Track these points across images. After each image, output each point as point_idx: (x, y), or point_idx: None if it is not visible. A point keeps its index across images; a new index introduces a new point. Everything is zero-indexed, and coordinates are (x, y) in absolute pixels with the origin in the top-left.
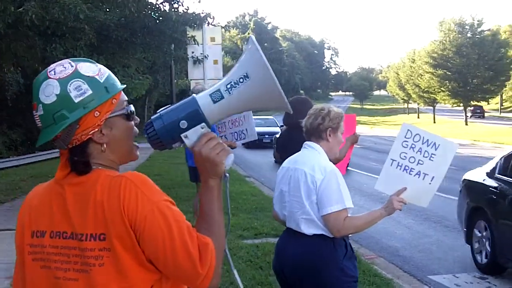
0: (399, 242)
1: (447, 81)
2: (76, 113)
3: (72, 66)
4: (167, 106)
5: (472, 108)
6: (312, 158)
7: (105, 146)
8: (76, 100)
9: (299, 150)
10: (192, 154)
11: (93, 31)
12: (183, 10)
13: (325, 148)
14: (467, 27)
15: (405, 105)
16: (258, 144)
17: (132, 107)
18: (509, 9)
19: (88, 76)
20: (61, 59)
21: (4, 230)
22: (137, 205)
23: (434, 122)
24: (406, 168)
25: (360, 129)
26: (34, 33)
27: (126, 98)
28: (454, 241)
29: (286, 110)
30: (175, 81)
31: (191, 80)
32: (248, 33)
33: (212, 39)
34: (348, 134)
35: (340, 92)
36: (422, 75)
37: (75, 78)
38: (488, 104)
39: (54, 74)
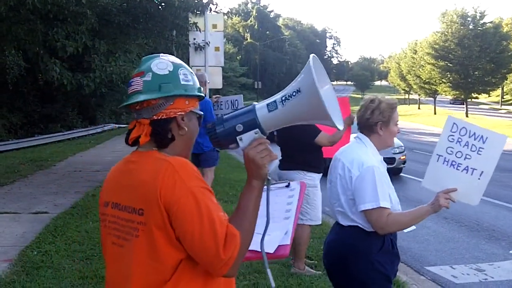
0: (397, 233)
1: (448, 73)
2: (178, 90)
3: (178, 59)
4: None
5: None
6: (355, 151)
7: (185, 130)
8: (182, 82)
9: (296, 137)
10: (196, 143)
11: (95, 15)
12: None
13: (376, 141)
14: (469, 19)
15: (406, 96)
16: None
17: (202, 115)
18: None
19: (192, 73)
20: (63, 43)
21: (2, 213)
22: (174, 188)
23: (435, 114)
24: (454, 163)
25: None
26: (35, 16)
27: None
28: (451, 233)
29: (333, 127)
30: None
31: (192, 66)
32: (251, 21)
33: (214, 26)
34: (343, 117)
35: (342, 82)
36: (423, 66)
37: (184, 68)
38: (489, 96)
39: (167, 59)
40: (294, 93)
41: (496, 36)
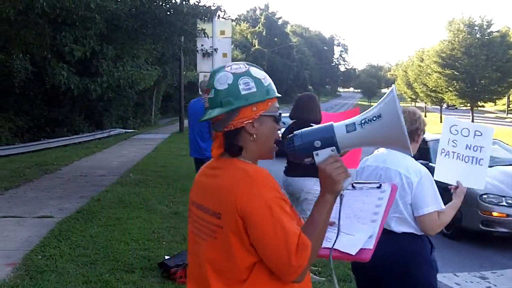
0: None
1: (454, 81)
2: (239, 102)
3: (245, 67)
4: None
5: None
6: (403, 159)
7: (250, 138)
8: (242, 93)
9: None
10: (196, 146)
11: (104, 20)
12: (194, 3)
13: (414, 149)
14: (476, 27)
15: (413, 104)
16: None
17: (280, 113)
18: None
19: (256, 78)
20: (70, 47)
21: (7, 217)
22: (250, 199)
23: (441, 122)
24: (459, 155)
25: None
26: (44, 20)
27: (278, 106)
28: (455, 240)
29: (407, 153)
30: (184, 73)
31: (199, 72)
32: (259, 27)
33: (222, 32)
34: None
35: (349, 89)
36: (430, 74)
37: (246, 76)
38: (495, 105)
39: (230, 69)
40: (374, 118)
41: (503, 45)
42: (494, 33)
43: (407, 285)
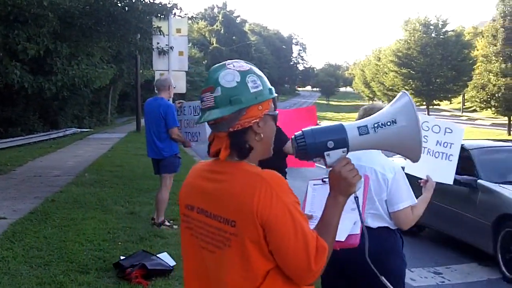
0: None
1: (411, 80)
2: (249, 100)
3: (248, 65)
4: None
5: None
6: (377, 156)
7: (256, 138)
8: (252, 91)
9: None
10: (152, 146)
11: (57, 18)
12: (149, 0)
13: None
14: (431, 27)
15: (370, 102)
16: None
17: (276, 112)
18: (473, 11)
19: (260, 76)
20: (24, 46)
21: None
22: (271, 206)
23: None
24: (429, 150)
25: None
26: None
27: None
28: (411, 237)
29: (415, 161)
30: (140, 71)
31: (155, 71)
32: (217, 26)
33: (178, 31)
34: (310, 125)
35: (307, 88)
36: (387, 73)
37: (252, 74)
38: (451, 103)
39: (234, 67)
40: (388, 123)
41: (458, 44)
42: (449, 33)
43: (380, 274)
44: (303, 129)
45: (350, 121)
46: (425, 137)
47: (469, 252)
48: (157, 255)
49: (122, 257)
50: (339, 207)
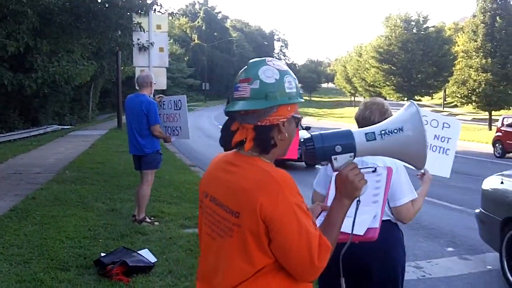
0: None
1: (392, 76)
2: (284, 99)
3: (285, 66)
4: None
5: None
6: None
7: (280, 137)
8: (287, 90)
9: None
10: (134, 143)
11: (36, 14)
12: None
13: None
14: (412, 23)
15: (352, 98)
16: None
17: (300, 117)
18: (453, 7)
19: (295, 78)
20: (3, 42)
21: None
22: (277, 204)
23: None
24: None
25: (307, 121)
26: None
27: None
28: None
29: (419, 168)
30: (121, 67)
31: (135, 67)
32: (198, 22)
33: (158, 27)
34: None
35: None
36: (368, 69)
37: (289, 75)
38: (432, 99)
39: (273, 65)
40: (395, 131)
41: (439, 40)
42: (430, 29)
43: (388, 269)
44: (312, 133)
45: (331, 117)
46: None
47: (450, 247)
48: (138, 252)
49: (102, 254)
50: (343, 209)
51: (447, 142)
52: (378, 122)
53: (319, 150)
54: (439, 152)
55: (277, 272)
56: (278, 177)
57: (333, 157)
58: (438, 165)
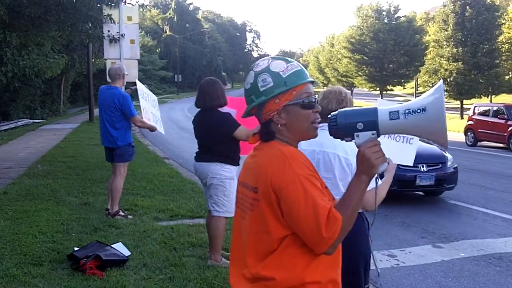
0: None
1: (364, 66)
2: (259, 98)
3: (267, 63)
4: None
5: None
6: (337, 141)
7: (279, 126)
8: (261, 89)
9: (213, 129)
10: (107, 135)
11: (4, 7)
12: None
13: None
14: (384, 13)
15: (325, 89)
16: None
17: (311, 98)
18: None
19: (274, 71)
20: None
21: None
22: (283, 174)
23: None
24: (390, 134)
25: None
26: None
27: (310, 91)
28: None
29: (443, 147)
30: (92, 60)
31: (106, 59)
32: (169, 13)
33: (129, 18)
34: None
35: None
36: (340, 60)
37: (264, 72)
38: (404, 88)
39: (256, 67)
40: (418, 110)
41: (410, 30)
42: (401, 18)
43: (350, 256)
44: (338, 110)
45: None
46: None
47: (423, 235)
48: (112, 246)
49: (76, 249)
50: (360, 186)
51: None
52: (335, 111)
53: (341, 126)
54: (403, 142)
55: (300, 246)
56: (287, 151)
57: (355, 134)
58: (402, 154)
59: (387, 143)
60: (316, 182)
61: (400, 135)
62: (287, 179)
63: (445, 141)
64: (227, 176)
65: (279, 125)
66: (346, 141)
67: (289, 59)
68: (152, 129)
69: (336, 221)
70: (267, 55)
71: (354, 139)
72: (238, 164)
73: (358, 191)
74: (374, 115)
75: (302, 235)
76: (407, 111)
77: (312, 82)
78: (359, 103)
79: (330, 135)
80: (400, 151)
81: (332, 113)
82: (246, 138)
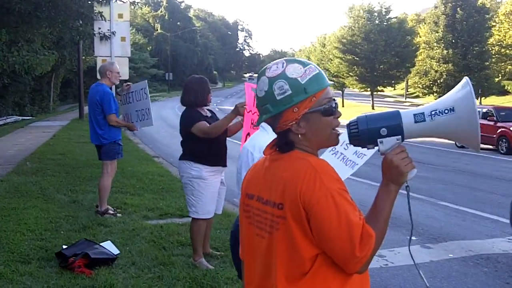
0: None
1: (355, 66)
2: (277, 108)
3: (282, 67)
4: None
5: None
6: (258, 138)
7: (299, 136)
8: (278, 98)
9: (181, 126)
10: (94, 132)
11: None
12: None
13: None
14: (375, 14)
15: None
16: None
17: (331, 104)
18: None
19: (291, 78)
20: None
21: None
22: (314, 189)
23: (343, 106)
24: (344, 157)
25: None
26: None
27: (330, 96)
28: None
29: (475, 149)
30: (83, 57)
31: (97, 57)
32: (161, 11)
33: (120, 16)
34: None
35: (254, 74)
36: (332, 60)
37: (280, 79)
38: (395, 89)
39: (269, 72)
40: (446, 111)
41: (401, 31)
42: (392, 19)
43: None
44: (358, 116)
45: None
46: (347, 145)
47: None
48: (101, 244)
49: (64, 247)
50: (390, 196)
51: (362, 158)
52: None
53: (363, 133)
54: (348, 166)
55: (331, 266)
56: (316, 164)
57: (378, 140)
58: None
59: (334, 164)
60: (347, 196)
61: (352, 159)
62: (319, 196)
63: (477, 143)
64: (194, 175)
65: (299, 135)
66: (368, 148)
67: (306, 61)
68: (131, 128)
69: (370, 238)
70: (259, 54)
71: (377, 145)
72: (216, 165)
73: (388, 201)
74: (398, 119)
75: (332, 254)
76: (433, 112)
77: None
78: (350, 104)
79: (350, 143)
80: (340, 171)
81: (351, 119)
82: (202, 135)
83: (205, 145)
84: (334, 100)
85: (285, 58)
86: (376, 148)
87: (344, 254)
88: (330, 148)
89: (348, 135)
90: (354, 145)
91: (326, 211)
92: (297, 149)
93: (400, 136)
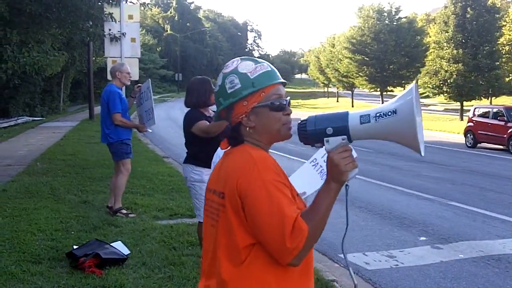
0: None
1: (365, 67)
2: (227, 100)
3: (236, 64)
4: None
5: None
6: None
7: (248, 129)
8: (229, 91)
9: (184, 127)
10: (102, 132)
11: (5, 4)
12: None
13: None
14: (385, 14)
15: (325, 89)
16: None
17: (281, 100)
18: None
19: (242, 73)
20: None
21: None
22: (250, 179)
23: (353, 106)
24: (322, 170)
25: None
26: None
27: (280, 93)
28: (364, 221)
29: (417, 152)
30: (93, 58)
31: (107, 58)
32: (171, 12)
33: (130, 17)
34: None
35: None
36: (341, 60)
37: (232, 74)
38: (404, 89)
39: (224, 69)
40: (389, 113)
41: (411, 31)
42: (402, 19)
43: None
44: (309, 115)
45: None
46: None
47: (422, 236)
48: (111, 244)
49: (75, 247)
50: (329, 193)
51: None
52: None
53: (310, 132)
54: (321, 178)
55: (268, 257)
56: (256, 156)
57: (325, 139)
58: (310, 181)
59: (311, 176)
60: (284, 189)
61: (325, 170)
62: (254, 185)
63: (416, 145)
64: (196, 179)
65: (248, 128)
66: (316, 147)
67: (259, 59)
68: (139, 129)
69: (302, 231)
70: (268, 55)
71: (324, 145)
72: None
73: (327, 199)
74: (345, 120)
75: (266, 244)
76: (378, 114)
77: (284, 84)
78: (359, 104)
79: (300, 141)
80: (313, 181)
81: (302, 119)
82: (202, 134)
83: (207, 147)
84: (285, 97)
85: (241, 57)
86: (324, 147)
87: (276, 244)
88: (311, 159)
89: (298, 133)
90: (304, 144)
91: (258, 200)
92: (247, 143)
93: (345, 136)
